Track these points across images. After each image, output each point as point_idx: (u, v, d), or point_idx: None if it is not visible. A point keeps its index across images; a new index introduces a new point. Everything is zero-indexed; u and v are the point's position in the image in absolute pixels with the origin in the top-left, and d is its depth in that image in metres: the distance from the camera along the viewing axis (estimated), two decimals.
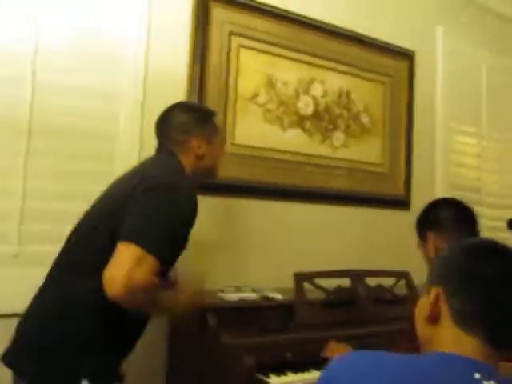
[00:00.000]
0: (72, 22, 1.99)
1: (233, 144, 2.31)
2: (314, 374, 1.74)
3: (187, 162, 1.63)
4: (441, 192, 3.05)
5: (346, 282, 2.16)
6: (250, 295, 1.97)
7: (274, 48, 2.48)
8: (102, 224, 1.46)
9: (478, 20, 3.39)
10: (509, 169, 3.50)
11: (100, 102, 2.03)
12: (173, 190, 1.45)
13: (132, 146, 2.08)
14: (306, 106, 2.57)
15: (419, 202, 2.66)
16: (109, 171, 2.01)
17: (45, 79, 1.92)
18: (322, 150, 2.62)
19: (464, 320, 0.87)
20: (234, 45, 2.35)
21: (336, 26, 2.67)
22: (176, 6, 2.23)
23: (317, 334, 1.91)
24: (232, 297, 1.93)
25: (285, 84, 2.50)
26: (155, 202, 1.41)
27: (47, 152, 1.92)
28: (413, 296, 2.16)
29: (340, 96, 2.70)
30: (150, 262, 1.33)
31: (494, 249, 0.93)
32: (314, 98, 2.60)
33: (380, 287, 2.22)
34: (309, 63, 2.59)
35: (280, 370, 1.73)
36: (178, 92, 2.21)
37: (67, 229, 1.89)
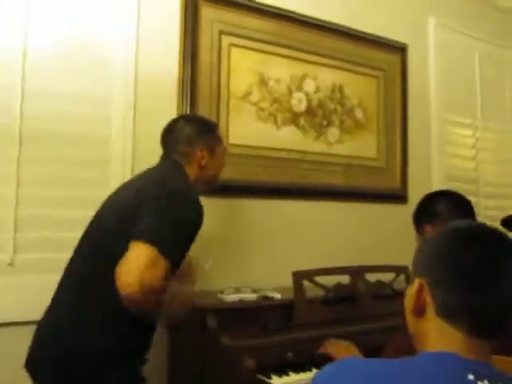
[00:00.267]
0: (60, 27, 1.97)
1: (227, 144, 2.29)
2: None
3: (191, 171, 1.70)
4: (438, 184, 3.04)
5: (345, 279, 2.15)
6: (250, 296, 1.96)
7: (265, 45, 2.46)
8: (118, 231, 1.48)
9: (469, 9, 3.38)
10: (504, 158, 3.50)
11: (91, 106, 2.01)
12: (182, 198, 1.51)
13: (126, 149, 2.06)
14: (299, 102, 2.55)
15: (416, 195, 2.65)
16: (103, 175, 2.01)
17: (34, 85, 1.90)
18: (317, 146, 2.61)
19: (447, 312, 0.84)
20: (224, 44, 2.34)
21: (327, 22, 2.66)
22: (165, 7, 2.22)
23: (317, 332, 1.90)
24: (231, 298, 1.92)
25: (277, 81, 2.49)
26: (166, 209, 1.45)
27: (39, 159, 1.90)
28: None
29: (333, 91, 2.68)
30: (162, 266, 1.36)
31: (475, 234, 0.87)
32: (307, 94, 2.59)
33: (379, 283, 2.22)
34: (300, 59, 2.58)
35: (281, 370, 1.72)
36: (170, 93, 2.19)
37: (63, 236, 1.89)
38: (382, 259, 2.28)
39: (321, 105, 2.63)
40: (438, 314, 0.85)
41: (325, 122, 2.64)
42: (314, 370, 1.75)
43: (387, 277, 2.23)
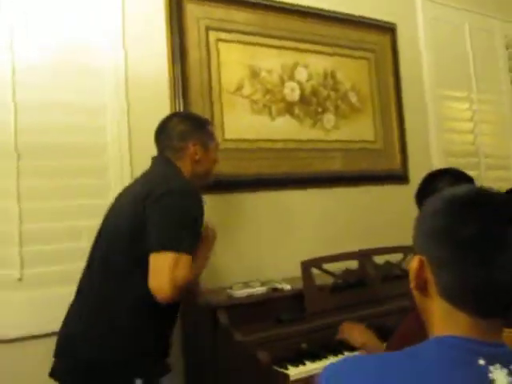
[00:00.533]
0: (46, 39, 1.96)
1: (223, 139, 2.28)
2: (332, 361, 1.74)
3: (184, 167, 1.73)
4: (437, 161, 3.03)
5: (353, 264, 2.15)
6: (259, 289, 1.96)
7: (253, 37, 2.45)
8: (129, 241, 1.54)
9: None
10: (502, 129, 3.48)
11: (84, 114, 2.00)
12: (182, 193, 1.56)
13: (123, 154, 2.06)
14: (292, 91, 2.54)
15: (417, 174, 2.63)
16: (103, 183, 2.00)
17: (26, 99, 1.89)
18: (314, 134, 2.60)
19: (450, 294, 0.78)
20: (212, 39, 2.32)
21: (314, 8, 2.64)
22: (149, 8, 2.20)
23: (330, 319, 1.90)
24: (241, 293, 1.91)
25: (268, 72, 2.47)
26: (170, 206, 1.52)
27: (38, 171, 1.90)
28: None
29: (325, 77, 2.67)
30: (184, 260, 1.46)
31: (472, 203, 0.79)
32: (300, 83, 2.57)
33: (388, 264, 2.21)
34: (290, 48, 2.56)
35: (297, 360, 1.72)
36: (162, 94, 2.19)
37: (68, 246, 1.89)
38: (388, 241, 2.27)
39: (314, 92, 2.62)
40: (442, 295, 0.79)
41: (320, 109, 2.63)
42: (330, 358, 1.76)
43: (396, 258, 2.23)
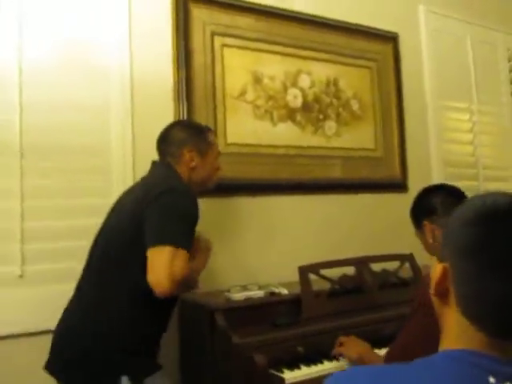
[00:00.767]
0: (52, 39, 1.99)
1: (225, 144, 2.31)
2: (327, 366, 1.76)
3: (182, 172, 1.78)
4: (437, 171, 3.05)
5: (350, 270, 2.17)
6: (257, 292, 1.97)
7: (258, 44, 2.47)
8: (129, 238, 1.58)
9: None
10: (502, 140, 3.50)
11: (88, 114, 2.02)
12: (181, 192, 1.62)
13: (126, 155, 2.08)
14: (294, 98, 2.57)
15: (416, 183, 2.67)
16: (106, 183, 2.02)
17: (32, 98, 1.92)
18: (315, 140, 2.62)
19: (468, 310, 0.75)
20: (217, 45, 2.35)
21: (318, 16, 2.67)
22: (156, 11, 2.23)
23: (326, 324, 1.91)
24: (239, 296, 1.93)
25: (271, 78, 2.50)
26: (169, 204, 1.56)
27: (42, 170, 1.93)
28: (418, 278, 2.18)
29: (328, 85, 2.69)
30: (181, 255, 1.49)
31: (505, 216, 0.74)
32: (302, 90, 2.60)
33: (385, 272, 2.23)
34: (294, 55, 2.59)
35: (293, 364, 1.73)
36: (166, 97, 2.21)
37: (69, 245, 1.91)
38: (386, 248, 2.30)
39: (316, 99, 2.64)
40: (458, 307, 0.76)
41: (321, 116, 2.65)
42: (325, 363, 1.77)
43: (392, 266, 2.25)
